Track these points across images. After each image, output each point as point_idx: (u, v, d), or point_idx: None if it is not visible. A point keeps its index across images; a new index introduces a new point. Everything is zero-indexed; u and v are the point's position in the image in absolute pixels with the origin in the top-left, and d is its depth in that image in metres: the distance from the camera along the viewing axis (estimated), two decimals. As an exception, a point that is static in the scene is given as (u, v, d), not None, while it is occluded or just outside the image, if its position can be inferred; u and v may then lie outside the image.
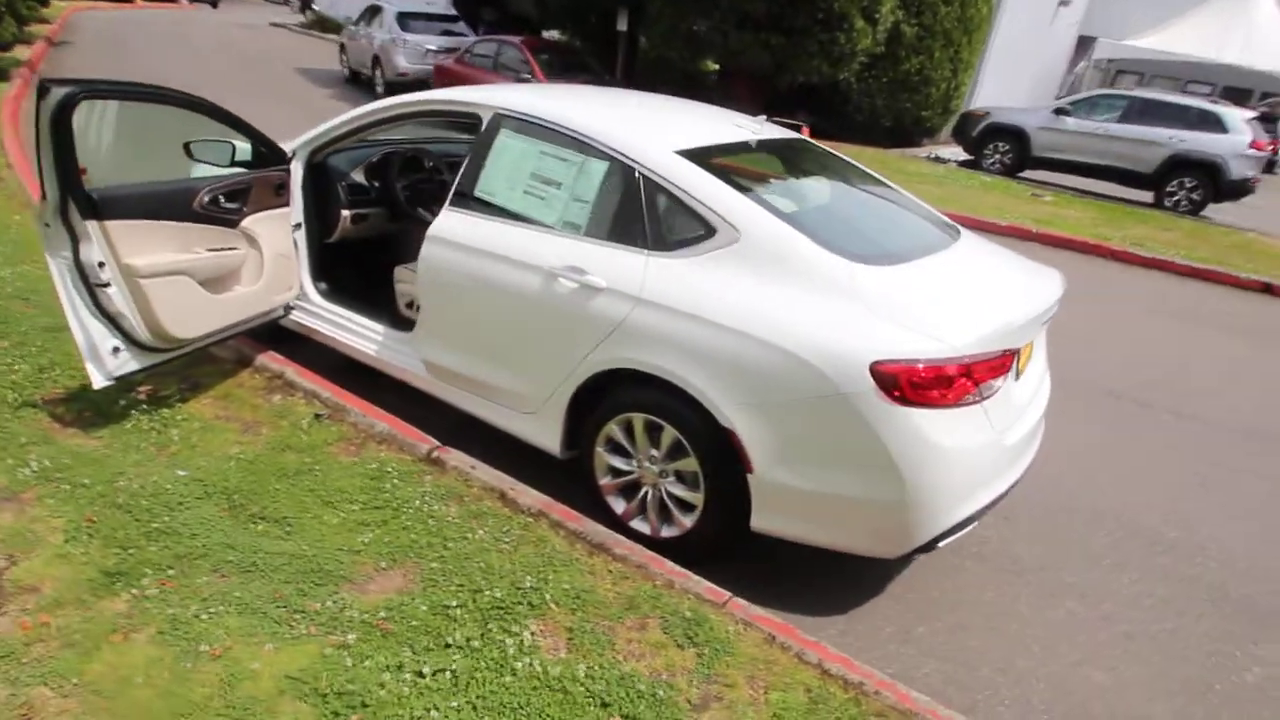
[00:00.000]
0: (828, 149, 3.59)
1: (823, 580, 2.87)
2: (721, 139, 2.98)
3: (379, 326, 3.58)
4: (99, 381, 2.96)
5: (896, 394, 2.22)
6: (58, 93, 2.57)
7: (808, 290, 2.40)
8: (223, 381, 3.58)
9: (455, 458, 3.08)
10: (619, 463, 2.84)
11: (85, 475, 2.78)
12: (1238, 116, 11.01)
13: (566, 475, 3.04)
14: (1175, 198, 11.44)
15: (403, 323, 3.58)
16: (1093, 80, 23.32)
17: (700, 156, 2.74)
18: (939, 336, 2.27)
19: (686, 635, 2.36)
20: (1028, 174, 12.68)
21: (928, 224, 3.09)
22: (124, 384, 3.28)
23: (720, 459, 2.54)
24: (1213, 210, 11.45)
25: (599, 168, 2.77)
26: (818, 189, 3.07)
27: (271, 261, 3.47)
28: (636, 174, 2.70)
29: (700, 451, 2.57)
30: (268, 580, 2.40)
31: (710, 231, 2.56)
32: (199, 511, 2.68)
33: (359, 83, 14.84)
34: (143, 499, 2.70)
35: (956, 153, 13.73)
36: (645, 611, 2.44)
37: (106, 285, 2.84)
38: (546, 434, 2.98)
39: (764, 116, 3.86)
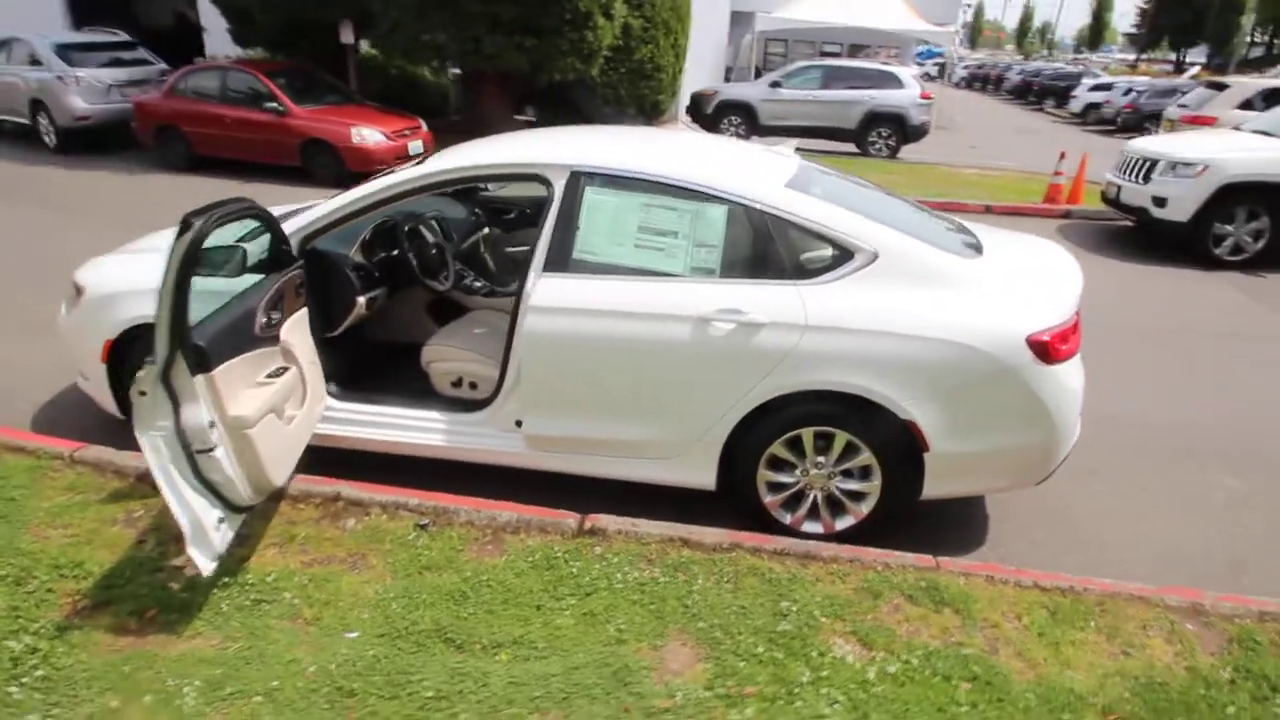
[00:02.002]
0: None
1: (940, 527, 3.38)
2: (791, 168, 3.25)
3: (429, 414, 3.30)
4: (208, 566, 2.41)
5: (1044, 357, 2.76)
6: (197, 224, 2.05)
7: (945, 289, 2.83)
8: (270, 524, 3.05)
9: (610, 522, 3.04)
10: (781, 478, 3.05)
11: (255, 681, 2.30)
12: (909, 74, 13.66)
13: (676, 507, 3.18)
14: (876, 145, 13.87)
15: (456, 404, 3.34)
16: (758, 50, 26.68)
17: (799, 187, 3.01)
18: (1053, 307, 2.85)
19: (934, 601, 2.72)
20: (760, 140, 14.46)
21: (942, 219, 3.58)
22: (150, 566, 2.72)
23: (896, 448, 2.89)
24: (904, 152, 14.11)
25: (718, 212, 2.90)
26: (868, 198, 3.46)
27: (308, 372, 3.02)
28: (760, 213, 2.88)
29: (876, 446, 2.90)
30: (583, 700, 2.26)
31: (848, 255, 2.85)
32: (428, 663, 2.38)
33: (3, 134, 11.93)
34: (356, 676, 2.32)
35: (695, 128, 15.11)
36: (888, 596, 2.74)
37: (212, 449, 2.32)
38: (696, 472, 3.07)
39: (792, 145, 4.10)
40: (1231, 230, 7.50)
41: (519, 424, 3.17)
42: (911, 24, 24.00)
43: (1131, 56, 57.72)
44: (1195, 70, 32.86)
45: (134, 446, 3.50)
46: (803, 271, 2.87)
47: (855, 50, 27.33)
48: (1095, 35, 65.28)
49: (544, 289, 2.93)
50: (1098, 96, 25.89)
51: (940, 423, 2.81)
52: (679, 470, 3.09)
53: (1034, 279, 3.06)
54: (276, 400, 2.62)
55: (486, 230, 4.42)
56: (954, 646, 2.52)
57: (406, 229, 3.61)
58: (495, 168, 3.14)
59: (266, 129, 9.91)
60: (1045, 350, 2.74)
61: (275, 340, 2.76)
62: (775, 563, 2.88)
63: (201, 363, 2.21)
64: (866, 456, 2.93)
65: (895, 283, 2.81)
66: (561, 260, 2.95)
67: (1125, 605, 2.76)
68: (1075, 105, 27.20)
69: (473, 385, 3.42)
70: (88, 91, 11.29)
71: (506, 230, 4.64)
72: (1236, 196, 7.35)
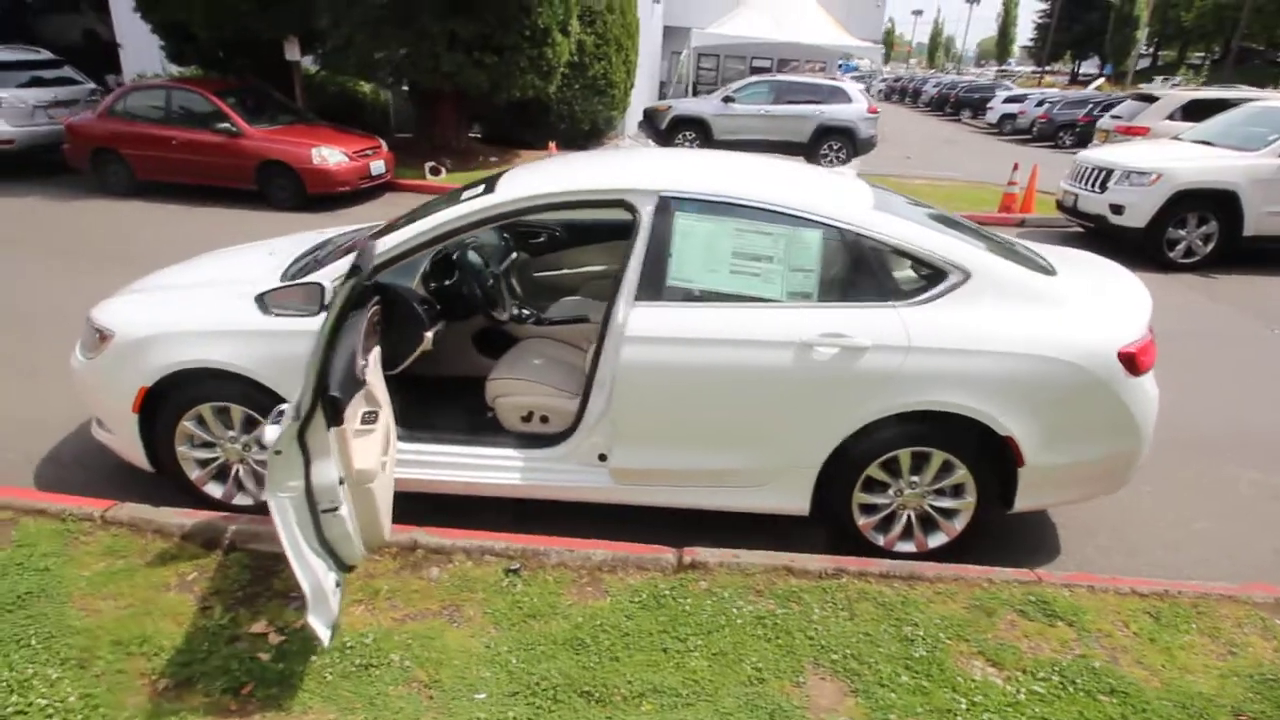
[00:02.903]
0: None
1: (1010, 539, 3.45)
2: (868, 191, 3.26)
3: (502, 451, 3.16)
4: (326, 635, 2.21)
5: (1132, 369, 2.85)
6: (364, 270, 1.88)
7: (1036, 306, 2.89)
8: (348, 579, 2.85)
9: (709, 554, 2.97)
10: (875, 499, 3.05)
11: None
12: (857, 89, 14.08)
13: (736, 532, 3.16)
14: (827, 158, 14.23)
15: (527, 440, 3.21)
16: (691, 64, 27.10)
17: (883, 209, 3.03)
18: (1133, 320, 2.95)
19: (1045, 615, 2.75)
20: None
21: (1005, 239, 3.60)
22: (225, 635, 2.52)
23: (992, 463, 2.93)
24: (852, 164, 14.52)
25: (813, 236, 2.88)
26: (938, 218, 3.48)
27: (386, 414, 2.84)
28: (855, 235, 2.88)
29: (972, 463, 2.93)
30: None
31: (941, 274, 2.88)
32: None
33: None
34: (502, 742, 2.17)
35: (647, 142, 15.18)
36: (1001, 613, 2.76)
37: (338, 508, 2.14)
38: (790, 498, 3.04)
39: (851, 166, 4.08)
40: (1184, 235, 7.99)
41: (603, 458, 3.07)
42: (840, 39, 24.88)
43: (1028, 68, 61.77)
44: (1100, 82, 35.14)
45: (171, 500, 3.29)
46: (899, 293, 2.88)
47: (783, 65, 28.05)
48: (1003, 50, 69.17)
49: (639, 318, 2.85)
50: (1012, 108, 27.30)
51: (1036, 437, 2.86)
52: (772, 497, 3.04)
53: (1110, 294, 3.16)
54: (381, 448, 2.45)
55: (514, 255, 4.29)
56: (1081, 660, 2.55)
57: (456, 257, 3.46)
58: (577, 194, 3.03)
59: (218, 151, 9.41)
60: (1134, 362, 2.83)
61: (364, 383, 2.58)
62: (883, 586, 2.87)
63: (337, 415, 2.04)
64: (962, 474, 2.95)
65: (989, 301, 2.86)
66: (654, 288, 2.88)
67: (1217, 605, 2.86)
68: (991, 116, 28.60)
69: (544, 419, 3.30)
70: (10, 113, 10.53)
71: (534, 254, 4.52)
72: (1188, 203, 7.85)
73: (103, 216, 8.95)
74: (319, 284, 2.88)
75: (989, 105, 29.54)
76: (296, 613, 2.64)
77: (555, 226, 4.45)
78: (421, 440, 3.16)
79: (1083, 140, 20.02)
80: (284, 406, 2.10)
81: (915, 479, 2.99)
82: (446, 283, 3.39)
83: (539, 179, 3.12)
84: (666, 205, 2.91)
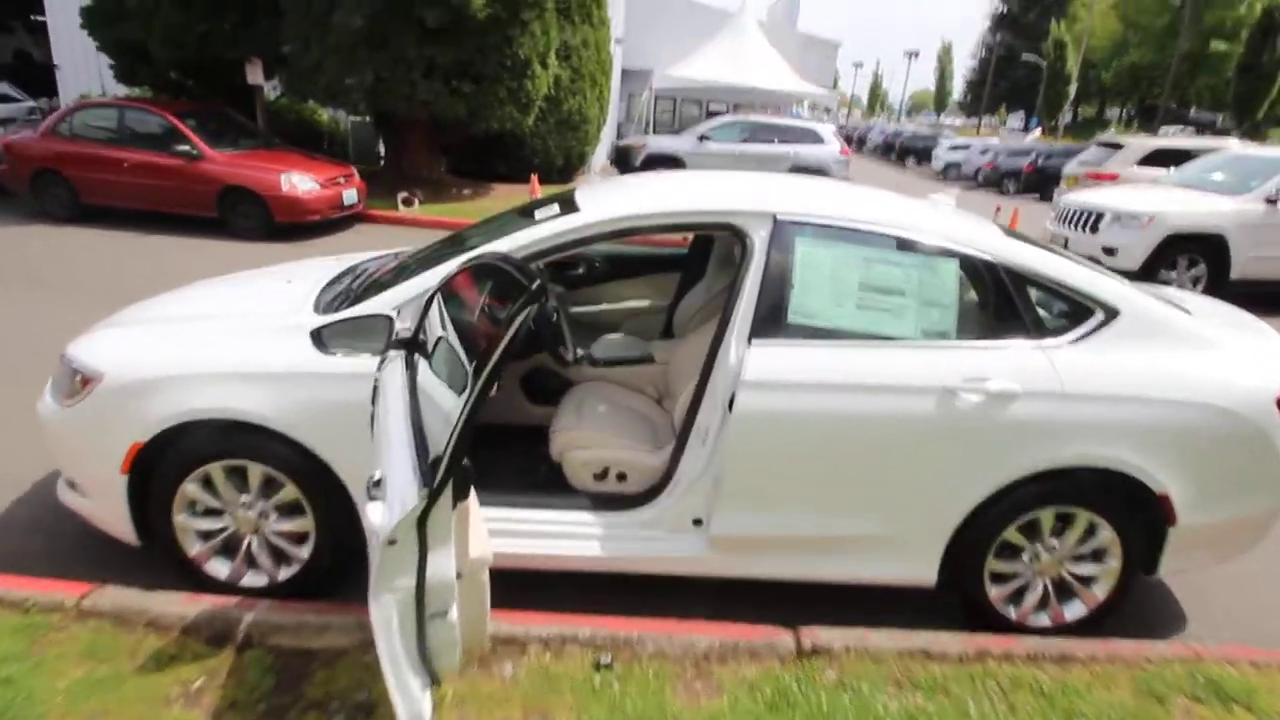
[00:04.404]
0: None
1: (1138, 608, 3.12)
2: (983, 220, 2.96)
3: (571, 515, 2.69)
4: (421, 775, 1.69)
5: (1289, 416, 2.58)
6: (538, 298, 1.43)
7: (1188, 349, 2.60)
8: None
9: (831, 636, 2.54)
10: (1008, 566, 2.69)
11: None
12: (830, 131, 14.19)
13: (818, 601, 2.75)
14: (802, 198, 14.25)
15: (603, 502, 2.75)
16: (650, 105, 27.27)
17: (1019, 239, 2.73)
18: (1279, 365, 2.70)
19: (1219, 698, 2.41)
20: None
21: None
22: None
23: (1141, 524, 2.60)
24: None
25: (948, 267, 2.54)
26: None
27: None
28: (993, 266, 2.56)
29: (1121, 524, 2.59)
30: None
31: (1087, 312, 2.57)
32: None
33: None
34: None
35: (617, 174, 14.99)
36: (1171, 698, 2.40)
37: (448, 611, 1.64)
38: (916, 566, 2.65)
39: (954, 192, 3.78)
40: (1174, 276, 8.07)
41: (698, 522, 2.63)
42: (798, 86, 25.46)
43: (958, 120, 65.06)
44: (1037, 133, 36.90)
45: (161, 580, 2.68)
46: (1043, 331, 2.56)
47: (736, 109, 28.49)
48: (939, 102, 72.57)
49: (758, 360, 2.44)
50: (957, 156, 28.25)
51: (1189, 493, 2.55)
52: (895, 566, 2.65)
53: (1249, 337, 2.91)
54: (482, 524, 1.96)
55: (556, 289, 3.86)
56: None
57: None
58: (677, 215, 2.63)
59: (176, 175, 8.71)
60: (1291, 409, 2.57)
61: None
62: (1034, 669, 2.48)
63: (466, 488, 1.55)
64: (1108, 536, 2.61)
65: (1141, 342, 2.56)
66: (773, 324, 2.48)
67: (1393, 680, 2.57)
68: (937, 163, 29.57)
69: (620, 477, 2.84)
70: (-64, 131, 9.59)
71: (569, 288, 4.09)
72: (1178, 246, 7.94)
73: (43, 243, 8.12)
74: (387, 315, 2.39)
75: (935, 153, 30.57)
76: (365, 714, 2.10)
77: (595, 257, 4.03)
78: (484, 504, 2.66)
79: (1030, 187, 20.80)
80: (377, 475, 1.61)
81: (1054, 543, 2.64)
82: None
83: (631, 198, 2.71)
84: (783, 230, 2.54)
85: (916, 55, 63.21)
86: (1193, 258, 8.03)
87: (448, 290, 2.16)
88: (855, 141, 45.97)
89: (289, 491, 2.58)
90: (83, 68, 14.62)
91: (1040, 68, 38.22)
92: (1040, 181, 19.80)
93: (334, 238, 9.25)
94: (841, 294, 2.52)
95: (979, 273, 2.58)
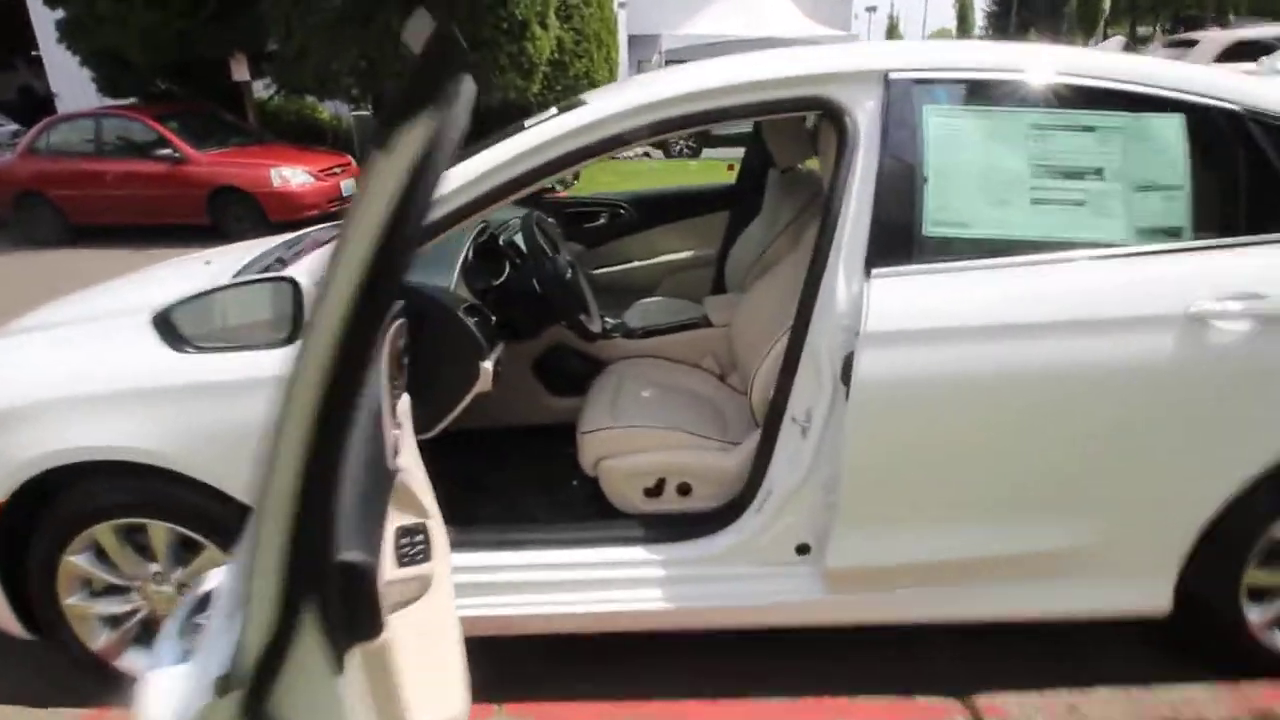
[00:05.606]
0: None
1: None
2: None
3: (614, 553, 1.86)
4: None
5: None
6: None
7: None
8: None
9: (1018, 705, 1.68)
10: (1276, 578, 1.79)
11: None
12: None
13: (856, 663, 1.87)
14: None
15: (659, 528, 1.91)
16: (660, 69, 26.29)
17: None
18: None
19: None
20: (709, 154, 13.82)
21: None
22: None
23: None
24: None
25: (1173, 128, 1.62)
26: None
27: (438, 527, 1.51)
28: (1245, 120, 1.64)
29: None
30: None
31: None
32: None
33: None
34: None
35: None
36: None
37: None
38: (1142, 590, 1.77)
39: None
40: None
41: (804, 550, 1.78)
42: (814, 31, 24.13)
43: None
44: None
45: (62, 681, 1.96)
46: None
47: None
48: (962, 34, 69.48)
49: (885, 299, 1.57)
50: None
51: None
52: (1106, 591, 1.77)
53: None
54: (449, 608, 1.14)
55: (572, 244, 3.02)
56: None
57: (514, 241, 2.18)
58: (752, 85, 1.71)
59: (161, 182, 8.04)
60: None
61: (394, 476, 1.27)
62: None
63: (372, 614, 0.73)
64: None
65: None
66: (902, 244, 1.60)
67: None
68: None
69: (683, 490, 2.00)
70: (-85, 161, 9.08)
71: (589, 245, 3.25)
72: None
73: (31, 270, 7.54)
74: (291, 280, 1.58)
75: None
76: None
77: (620, 202, 3.18)
78: (473, 547, 1.84)
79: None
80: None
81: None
82: (498, 281, 2.09)
83: (674, 81, 1.80)
84: (903, 95, 1.64)
85: (934, -9, 60.29)
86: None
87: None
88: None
89: (212, 555, 1.80)
90: (80, 94, 14.20)
91: (1063, -8, 36.12)
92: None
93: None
94: (1004, 184, 1.62)
95: (1220, 132, 1.65)
